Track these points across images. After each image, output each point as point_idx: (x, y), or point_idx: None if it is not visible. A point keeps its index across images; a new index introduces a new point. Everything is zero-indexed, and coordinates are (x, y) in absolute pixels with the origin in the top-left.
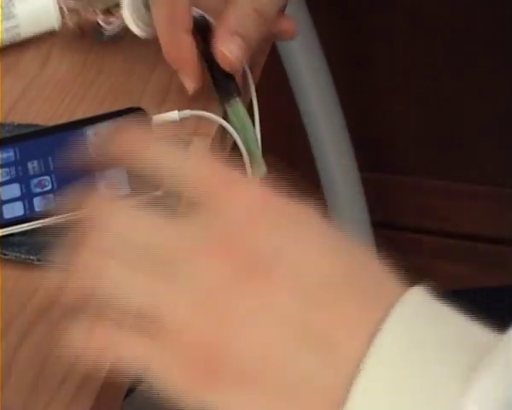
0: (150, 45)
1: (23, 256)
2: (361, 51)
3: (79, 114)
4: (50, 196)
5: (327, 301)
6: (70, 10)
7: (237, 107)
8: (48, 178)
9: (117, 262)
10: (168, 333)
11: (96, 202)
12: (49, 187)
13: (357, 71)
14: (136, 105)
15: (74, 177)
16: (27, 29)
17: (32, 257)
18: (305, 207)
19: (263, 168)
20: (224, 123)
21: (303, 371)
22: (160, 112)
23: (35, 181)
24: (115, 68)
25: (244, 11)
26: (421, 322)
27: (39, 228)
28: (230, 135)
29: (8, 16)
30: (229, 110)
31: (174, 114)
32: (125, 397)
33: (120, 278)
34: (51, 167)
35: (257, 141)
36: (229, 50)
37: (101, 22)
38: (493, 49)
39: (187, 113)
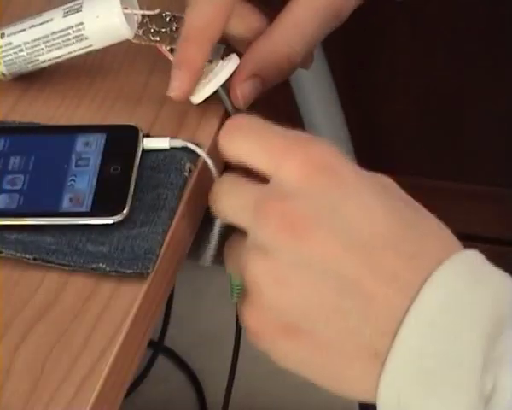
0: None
1: (18, 255)
2: (361, 51)
3: (79, 115)
4: (15, 195)
5: (374, 258)
6: (137, 37)
7: None
8: (21, 177)
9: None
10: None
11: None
12: (19, 186)
13: (357, 71)
14: (130, 123)
15: (47, 183)
16: (101, 45)
17: (27, 256)
18: (370, 173)
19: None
20: (209, 161)
21: (344, 326)
22: (153, 126)
23: (8, 177)
24: (114, 71)
25: (274, 54)
26: (460, 285)
27: (37, 226)
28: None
29: (80, 38)
30: None
31: (165, 142)
32: (125, 397)
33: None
34: (30, 167)
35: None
36: (242, 93)
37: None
38: (493, 49)
39: (178, 142)
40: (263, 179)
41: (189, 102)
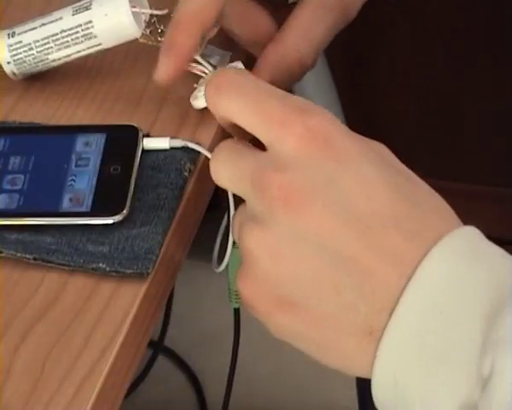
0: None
1: (19, 255)
2: (361, 51)
3: (78, 115)
4: (15, 195)
5: (373, 234)
6: (145, 37)
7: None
8: (21, 177)
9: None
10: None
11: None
12: (19, 186)
13: (357, 71)
14: (130, 123)
15: (47, 183)
16: (110, 43)
17: (28, 256)
18: (371, 142)
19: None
20: (210, 156)
21: (339, 301)
22: (153, 126)
23: (8, 177)
24: (113, 71)
25: (285, 61)
26: (459, 262)
27: (37, 226)
28: None
29: (89, 37)
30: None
31: (165, 142)
32: (125, 397)
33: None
34: (29, 167)
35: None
36: None
37: None
38: (493, 49)
39: (178, 142)
40: (258, 140)
41: (189, 103)
